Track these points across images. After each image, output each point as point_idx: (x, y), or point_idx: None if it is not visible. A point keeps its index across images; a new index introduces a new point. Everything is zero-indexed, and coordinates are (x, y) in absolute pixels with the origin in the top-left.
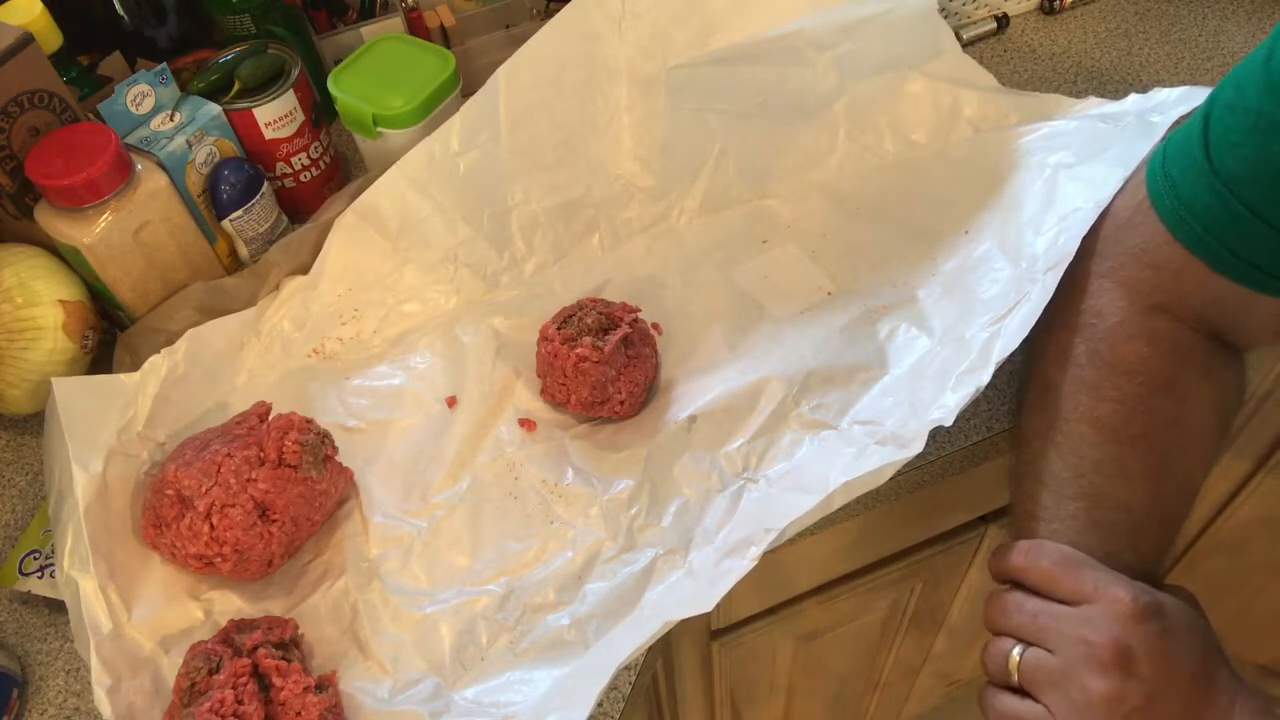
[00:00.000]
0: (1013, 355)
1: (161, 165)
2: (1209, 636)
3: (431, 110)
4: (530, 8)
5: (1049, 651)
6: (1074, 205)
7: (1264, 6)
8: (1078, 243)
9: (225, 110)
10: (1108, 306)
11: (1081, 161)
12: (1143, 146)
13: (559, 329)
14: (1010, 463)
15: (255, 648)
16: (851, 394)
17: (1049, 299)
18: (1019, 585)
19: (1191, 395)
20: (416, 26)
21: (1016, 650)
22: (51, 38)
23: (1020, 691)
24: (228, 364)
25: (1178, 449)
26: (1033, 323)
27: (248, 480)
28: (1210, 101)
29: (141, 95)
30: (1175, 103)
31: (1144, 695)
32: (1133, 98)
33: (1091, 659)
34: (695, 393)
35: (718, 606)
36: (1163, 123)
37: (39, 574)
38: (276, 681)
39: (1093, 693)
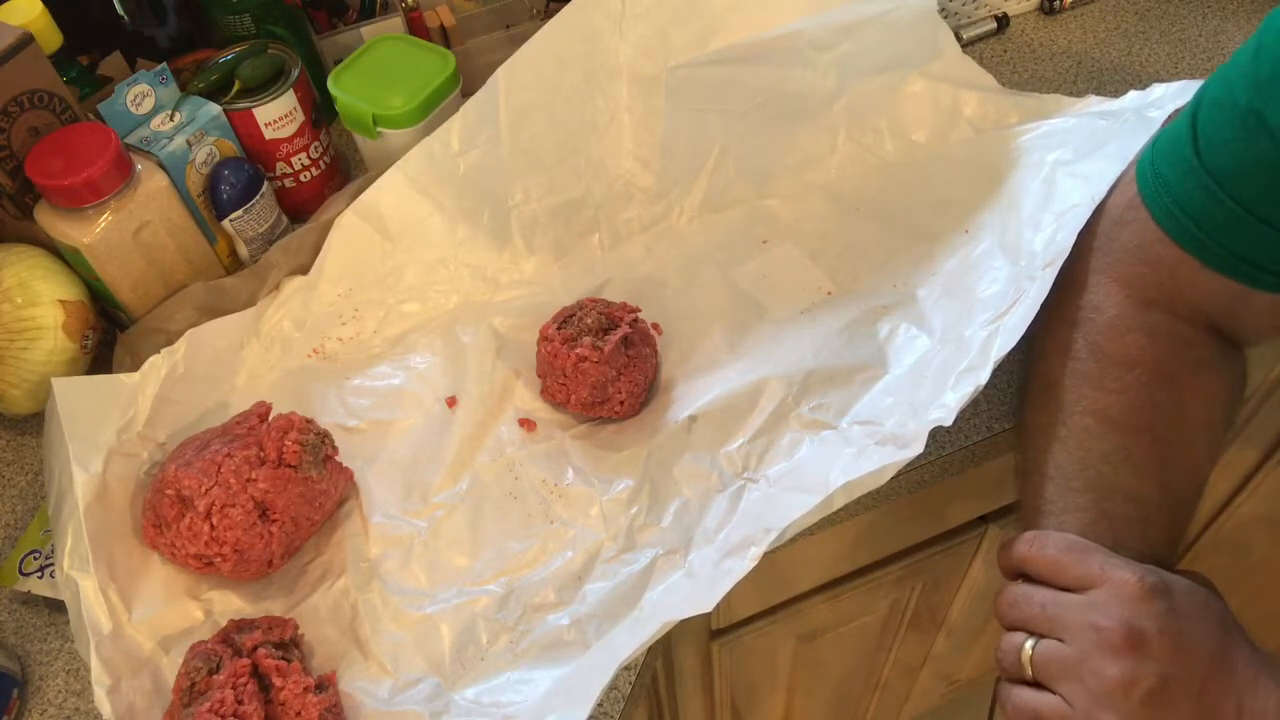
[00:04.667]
0: (1012, 354)
1: (161, 165)
2: (1225, 615)
3: (431, 110)
4: (530, 8)
5: (1061, 641)
6: (1072, 202)
7: (1264, 6)
8: (1074, 238)
9: (225, 110)
10: (1104, 302)
11: (1080, 158)
12: (1140, 141)
13: (559, 329)
14: (1015, 460)
15: (255, 648)
16: (851, 394)
17: (1046, 295)
18: (1028, 579)
19: (1193, 385)
20: (416, 26)
21: (1029, 643)
22: (51, 38)
23: (1036, 684)
24: (228, 364)
25: (1183, 438)
26: (1030, 319)
27: (248, 480)
28: (1198, 98)
29: (141, 95)
30: (1173, 96)
31: (1159, 676)
32: (1131, 94)
33: (1103, 644)
34: (695, 393)
35: (718, 606)
36: (1160, 117)
37: (39, 574)
38: (276, 681)
39: (1107, 678)
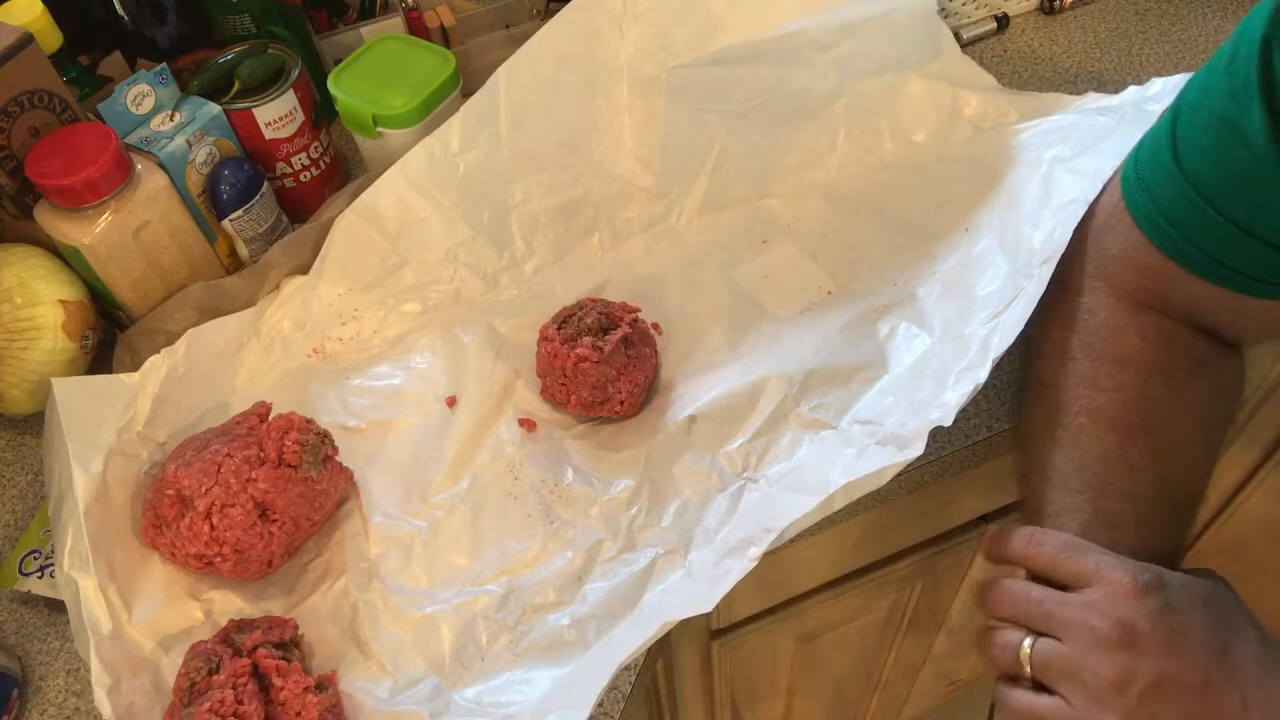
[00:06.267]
0: (1011, 354)
1: (161, 165)
2: (1228, 610)
3: (431, 110)
4: (530, 8)
5: (1058, 640)
6: (1069, 197)
7: None
8: (1070, 234)
9: (225, 110)
10: (1097, 304)
11: (1078, 154)
12: (1139, 135)
13: (559, 329)
14: (1016, 462)
15: (255, 648)
16: (851, 393)
17: (1044, 291)
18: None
19: (1189, 383)
20: (416, 26)
21: (1027, 641)
22: (51, 38)
23: (1034, 683)
24: (228, 364)
25: (1180, 436)
26: (1028, 316)
27: (248, 480)
28: (1178, 103)
29: (141, 95)
30: (1171, 90)
31: (1155, 673)
32: (1130, 90)
33: (1098, 643)
34: (695, 393)
35: (718, 606)
36: (1159, 111)
37: (39, 574)
38: (276, 681)
39: (1104, 677)
